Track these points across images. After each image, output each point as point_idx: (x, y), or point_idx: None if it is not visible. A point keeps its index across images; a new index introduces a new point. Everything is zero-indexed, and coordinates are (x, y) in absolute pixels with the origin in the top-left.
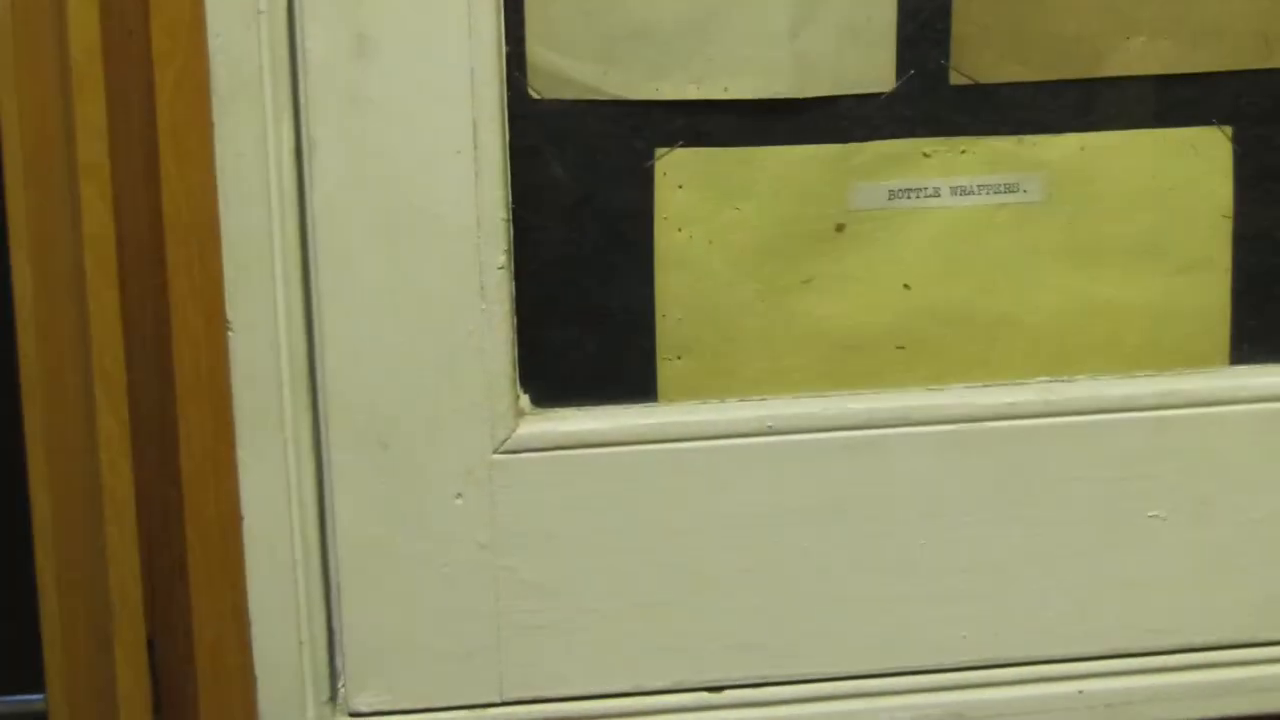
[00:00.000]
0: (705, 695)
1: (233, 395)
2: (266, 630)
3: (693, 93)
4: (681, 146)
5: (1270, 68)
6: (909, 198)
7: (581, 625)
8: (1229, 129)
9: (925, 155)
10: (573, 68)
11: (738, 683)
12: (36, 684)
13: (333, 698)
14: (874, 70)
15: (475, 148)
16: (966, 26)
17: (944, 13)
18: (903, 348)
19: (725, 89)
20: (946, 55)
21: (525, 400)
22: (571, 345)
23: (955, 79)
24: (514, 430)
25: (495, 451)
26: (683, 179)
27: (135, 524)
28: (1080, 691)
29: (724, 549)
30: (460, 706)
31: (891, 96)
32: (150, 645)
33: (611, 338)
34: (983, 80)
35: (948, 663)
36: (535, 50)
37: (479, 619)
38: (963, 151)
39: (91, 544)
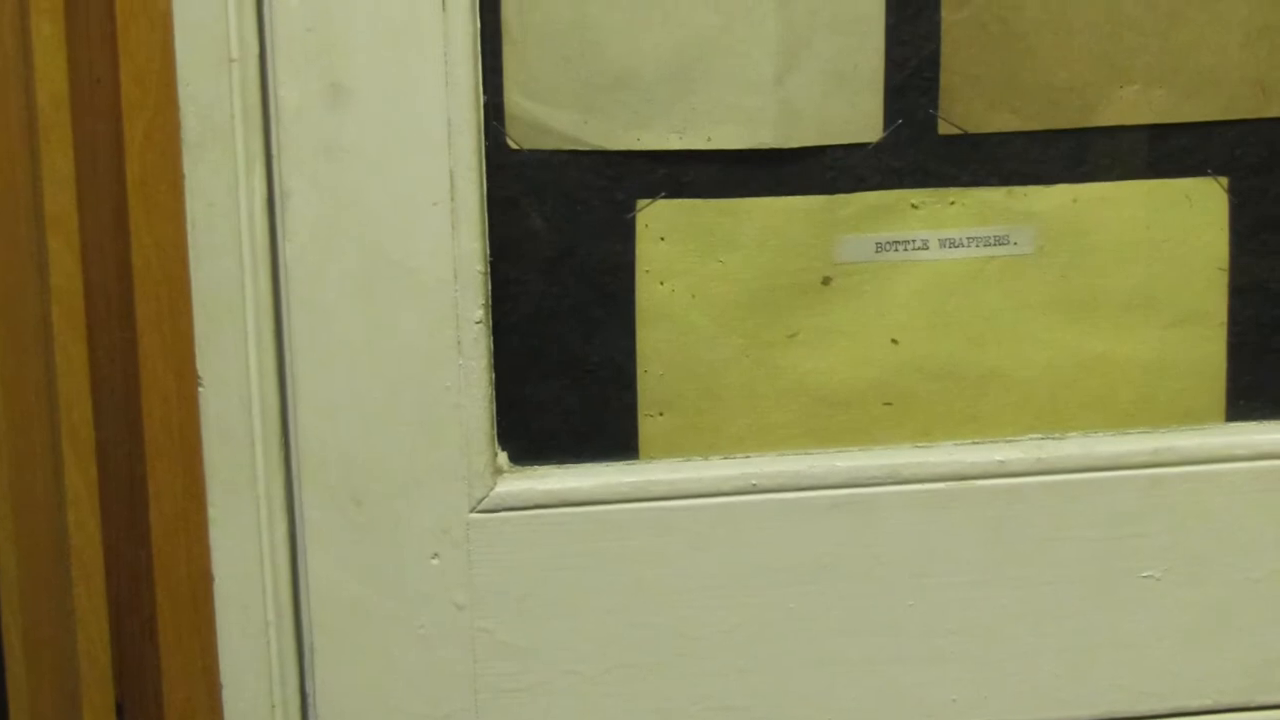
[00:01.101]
0: None
1: (204, 452)
2: (238, 693)
3: (675, 143)
4: (663, 198)
5: (1267, 117)
6: (896, 250)
7: (561, 688)
8: (1224, 179)
9: (913, 206)
10: (552, 117)
11: None
12: None
13: None
14: (861, 119)
15: (452, 199)
16: (955, 75)
17: (932, 61)
18: (890, 404)
19: (708, 139)
20: (935, 104)
21: (503, 458)
22: (551, 401)
23: (944, 129)
24: (492, 488)
25: (472, 510)
26: (665, 231)
27: (104, 584)
28: None
29: (707, 609)
30: None
31: (879, 146)
32: (119, 709)
33: (592, 393)
34: (972, 130)
35: None
36: (514, 100)
37: (455, 681)
38: (951, 203)
39: (59, 604)
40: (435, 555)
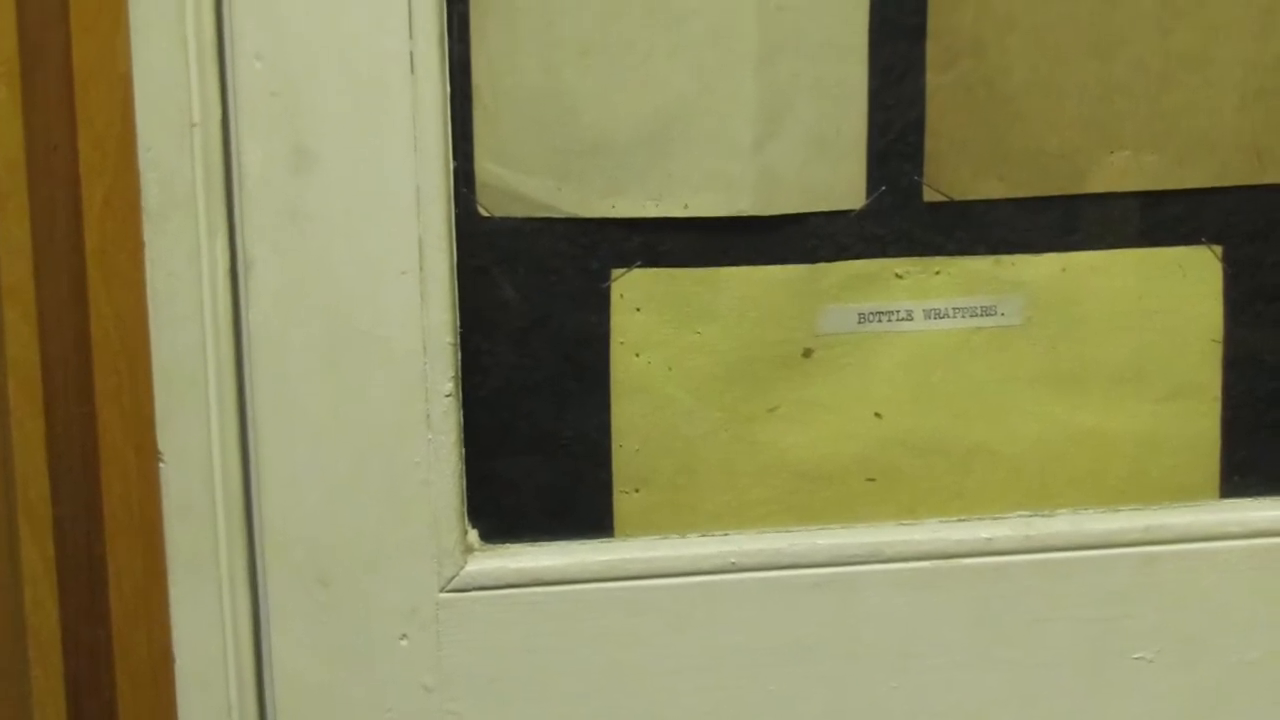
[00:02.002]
0: None
1: (165, 529)
2: None
3: (651, 210)
4: (639, 267)
5: (1262, 184)
6: (880, 321)
7: None
8: (1219, 248)
9: (897, 276)
10: (524, 184)
11: None
12: None
13: None
14: (843, 186)
15: (421, 268)
16: (941, 141)
17: (917, 126)
18: (873, 480)
19: (685, 206)
20: (920, 170)
21: (474, 535)
22: (523, 477)
23: (929, 195)
24: (462, 567)
25: (442, 590)
26: (641, 301)
27: (62, 665)
28: None
29: (685, 692)
30: None
31: (862, 214)
32: None
33: (565, 469)
34: (958, 197)
35: None
36: (485, 166)
37: None
38: (937, 272)
39: (16, 686)
40: (403, 636)
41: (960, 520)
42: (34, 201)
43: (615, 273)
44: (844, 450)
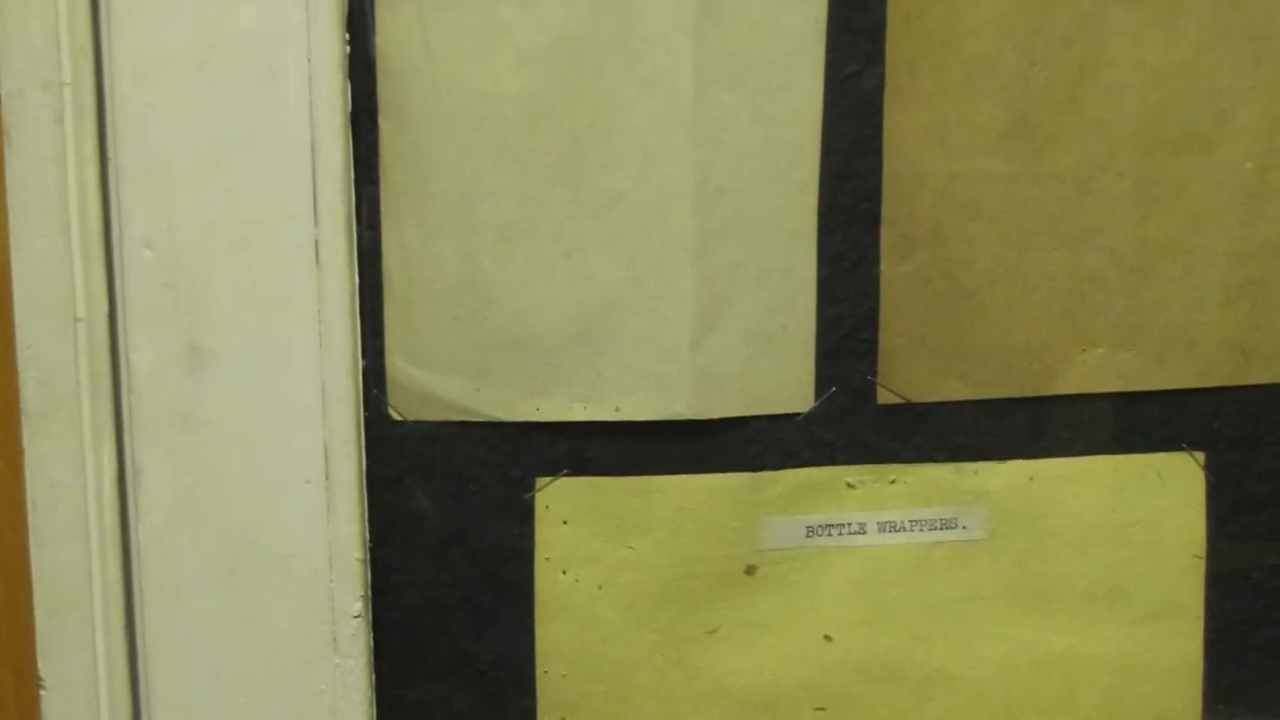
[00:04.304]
0: None
1: None
2: None
3: (579, 413)
4: (566, 475)
5: (1248, 384)
6: (830, 535)
7: None
8: (1201, 454)
9: (849, 485)
10: (440, 384)
11: None
12: None
13: None
14: (790, 387)
15: (327, 477)
16: (897, 337)
17: (871, 321)
18: (823, 709)
19: (616, 409)
20: (874, 370)
21: None
22: (439, 704)
23: (884, 397)
24: None
25: None
26: (568, 513)
27: None
28: None
29: None
30: None
31: (810, 417)
32: None
33: (485, 696)
34: (915, 399)
35: None
36: (397, 364)
37: None
38: (892, 481)
39: None
40: None
41: None
42: None
43: (540, 482)
44: (791, 676)
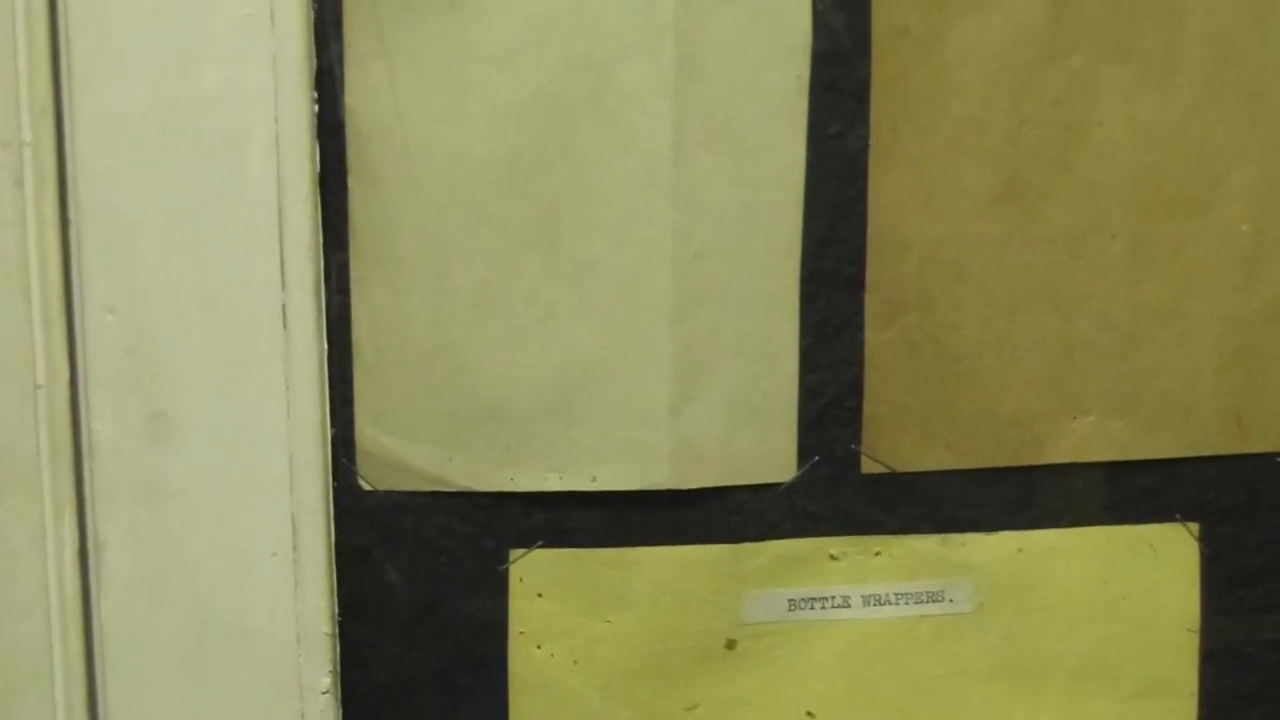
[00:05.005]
0: None
1: None
2: None
3: (554, 484)
4: (541, 547)
5: (1243, 454)
6: (813, 608)
7: None
8: (1194, 526)
9: (832, 558)
10: (411, 454)
11: None
12: None
13: None
14: (771, 457)
15: (295, 549)
16: (881, 405)
17: (854, 389)
18: None
19: (593, 479)
20: (857, 439)
21: None
22: None
23: (868, 466)
24: None
25: None
26: (543, 586)
27: None
28: None
29: None
30: None
31: (792, 488)
32: None
33: None
34: (900, 469)
35: None
36: (367, 433)
37: None
38: (877, 553)
39: None
40: None
41: None
42: None
43: (514, 554)
44: None
